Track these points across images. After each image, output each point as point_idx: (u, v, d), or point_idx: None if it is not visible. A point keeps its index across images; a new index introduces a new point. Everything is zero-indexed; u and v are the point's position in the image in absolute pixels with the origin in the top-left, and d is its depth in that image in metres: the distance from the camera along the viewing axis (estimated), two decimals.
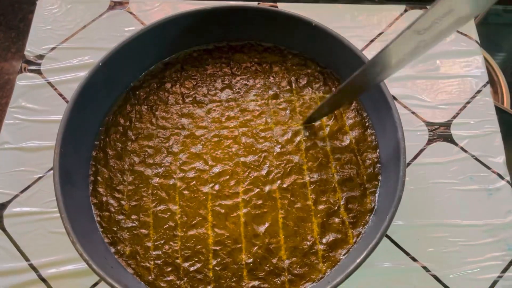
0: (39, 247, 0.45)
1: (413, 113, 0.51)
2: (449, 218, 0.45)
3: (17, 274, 0.43)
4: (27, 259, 0.44)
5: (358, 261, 0.37)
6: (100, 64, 0.46)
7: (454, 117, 0.50)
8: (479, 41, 0.55)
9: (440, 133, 0.49)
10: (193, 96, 0.50)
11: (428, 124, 0.50)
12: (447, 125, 0.50)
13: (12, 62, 0.63)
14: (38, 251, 0.45)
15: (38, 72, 0.54)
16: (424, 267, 0.43)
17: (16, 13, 0.67)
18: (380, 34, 0.56)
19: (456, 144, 0.49)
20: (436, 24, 0.28)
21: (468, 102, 0.51)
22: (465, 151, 0.48)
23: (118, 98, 0.50)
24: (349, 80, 0.38)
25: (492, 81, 0.61)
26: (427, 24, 0.28)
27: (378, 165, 0.45)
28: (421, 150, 0.49)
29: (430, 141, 0.49)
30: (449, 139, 0.49)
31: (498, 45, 0.69)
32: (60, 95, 0.53)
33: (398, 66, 0.34)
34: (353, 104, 0.49)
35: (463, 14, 0.27)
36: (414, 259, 0.44)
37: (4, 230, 0.45)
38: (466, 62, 0.54)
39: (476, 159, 0.48)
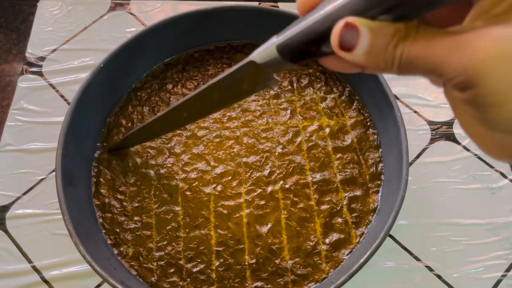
0: (41, 248, 0.45)
1: (415, 112, 0.51)
2: (452, 217, 0.45)
3: (20, 276, 0.43)
4: (29, 261, 0.44)
5: (361, 261, 0.37)
6: (102, 65, 0.46)
7: None
8: None
9: (443, 132, 0.49)
10: None
11: (430, 123, 0.50)
12: (450, 124, 0.50)
13: (13, 64, 0.63)
14: (41, 252, 0.45)
15: (40, 73, 0.54)
16: (428, 267, 0.43)
17: (17, 15, 0.67)
18: None
19: (458, 143, 0.49)
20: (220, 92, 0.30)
21: None
22: (468, 150, 0.48)
23: (119, 99, 0.50)
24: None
25: None
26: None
27: (381, 164, 0.45)
28: (424, 149, 0.49)
29: (432, 140, 0.49)
30: (451, 138, 0.49)
31: None
32: (62, 96, 0.53)
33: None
34: (354, 104, 0.48)
35: (247, 89, 0.29)
36: (417, 259, 0.43)
37: (7, 232, 0.45)
38: None
39: (479, 158, 0.48)
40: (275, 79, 0.27)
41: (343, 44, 0.20)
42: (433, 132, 0.49)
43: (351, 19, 0.20)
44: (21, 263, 0.44)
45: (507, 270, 0.43)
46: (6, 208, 0.46)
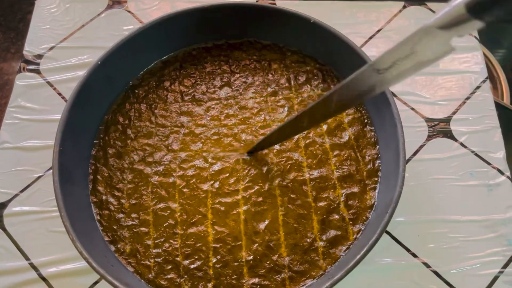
0: (39, 246, 0.45)
1: (413, 109, 0.51)
2: (449, 214, 0.45)
3: (17, 273, 0.43)
4: (27, 258, 0.44)
5: (358, 257, 0.37)
6: (99, 62, 0.46)
7: (454, 113, 0.50)
8: (478, 37, 0.55)
9: (440, 129, 0.49)
10: (192, 94, 0.50)
11: (427, 120, 0.50)
12: (447, 121, 0.50)
13: (12, 63, 0.63)
14: (38, 250, 0.45)
15: (37, 71, 0.54)
16: (425, 263, 0.43)
17: (15, 14, 0.67)
18: (379, 30, 0.56)
19: (456, 140, 0.49)
20: (396, 65, 0.28)
21: (467, 98, 0.51)
22: (465, 146, 0.48)
23: (117, 96, 0.50)
24: (307, 109, 0.36)
25: (491, 77, 0.61)
26: (387, 64, 0.28)
27: (378, 161, 0.45)
28: (421, 146, 0.49)
29: (430, 137, 0.49)
30: (449, 135, 0.49)
31: (497, 41, 0.69)
32: (59, 94, 0.53)
33: (353, 102, 0.34)
34: None
35: (424, 59, 0.27)
36: (414, 255, 0.44)
37: (4, 230, 0.45)
38: (466, 58, 0.53)
39: (476, 154, 0.48)
40: (452, 47, 0.25)
41: None
42: (430, 129, 0.49)
43: None
44: (18, 260, 0.44)
45: (504, 267, 0.43)
46: (3, 205, 0.47)
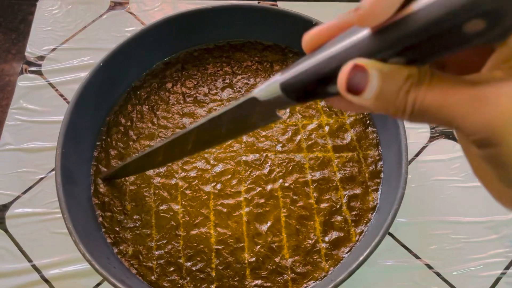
0: (41, 247, 0.45)
1: None
2: (451, 215, 0.45)
3: (19, 275, 0.43)
4: (29, 260, 0.44)
5: (361, 259, 0.37)
6: (101, 64, 0.46)
7: None
8: None
9: (442, 130, 0.49)
10: (194, 95, 0.50)
11: None
12: None
13: (13, 64, 0.63)
14: (41, 252, 0.45)
15: (39, 73, 0.54)
16: (427, 265, 0.43)
17: (16, 15, 0.67)
18: None
19: (457, 141, 0.49)
20: (234, 122, 0.29)
21: None
22: None
23: (119, 98, 0.50)
24: (194, 127, 0.32)
25: None
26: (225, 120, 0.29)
27: (380, 162, 0.45)
28: (423, 148, 0.49)
29: (432, 139, 0.49)
30: (450, 136, 0.49)
31: None
32: (61, 95, 0.53)
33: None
34: None
35: (256, 123, 0.27)
36: (416, 257, 0.44)
37: (6, 231, 0.45)
38: None
39: None
40: (278, 116, 0.26)
41: (351, 87, 0.19)
42: (432, 130, 0.49)
43: (360, 60, 0.18)
44: (20, 262, 0.44)
45: (507, 268, 0.43)
46: (5, 207, 0.47)
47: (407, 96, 0.18)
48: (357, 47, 0.19)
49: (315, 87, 0.21)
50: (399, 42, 0.18)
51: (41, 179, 0.48)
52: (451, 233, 0.44)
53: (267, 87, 0.24)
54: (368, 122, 0.47)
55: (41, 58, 0.55)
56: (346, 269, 0.38)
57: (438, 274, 0.43)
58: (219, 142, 0.32)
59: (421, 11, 0.17)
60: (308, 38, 0.21)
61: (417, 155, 0.48)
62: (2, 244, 0.45)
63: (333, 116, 0.48)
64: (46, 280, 0.43)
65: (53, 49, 0.55)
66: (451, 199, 0.46)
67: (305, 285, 0.41)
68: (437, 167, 0.48)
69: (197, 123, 0.31)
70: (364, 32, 0.19)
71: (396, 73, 0.18)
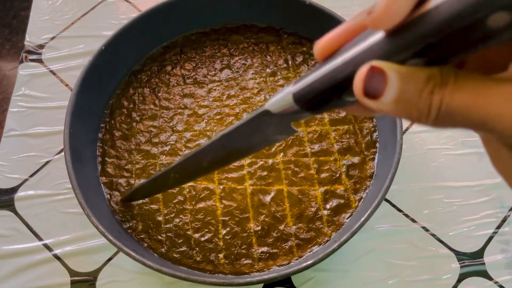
0: (51, 227, 0.46)
1: None
2: (444, 181, 0.48)
3: (31, 254, 0.45)
4: (40, 239, 0.45)
5: (362, 220, 0.39)
6: (103, 47, 0.47)
7: None
8: None
9: None
10: (194, 77, 0.52)
11: None
12: None
13: (7, 58, 0.63)
14: (51, 231, 0.46)
15: (40, 61, 0.55)
16: (424, 227, 0.45)
17: (8, 11, 0.67)
18: None
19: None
20: (249, 138, 0.28)
21: None
22: None
23: (120, 82, 0.51)
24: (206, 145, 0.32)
25: None
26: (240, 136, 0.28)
27: (375, 133, 0.48)
28: None
29: None
30: None
31: None
32: (62, 81, 0.54)
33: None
34: None
35: (271, 138, 0.27)
36: (413, 221, 0.46)
37: (16, 213, 0.47)
38: None
39: None
40: (294, 130, 0.25)
41: (368, 91, 0.17)
42: None
43: (377, 62, 0.17)
44: (32, 242, 0.45)
45: (498, 227, 0.45)
46: (14, 190, 0.48)
47: (432, 98, 0.17)
48: (373, 50, 0.18)
49: (330, 95, 0.20)
50: (417, 42, 0.17)
51: (47, 162, 0.49)
52: (444, 197, 0.47)
53: (279, 99, 0.23)
54: None
55: (41, 46, 0.56)
56: (348, 231, 0.40)
57: (434, 236, 0.45)
58: (235, 159, 0.31)
59: (440, 7, 0.16)
60: (319, 45, 0.20)
61: (409, 126, 0.51)
62: (12, 225, 0.46)
63: None
64: (58, 258, 0.45)
65: (52, 38, 0.56)
66: (443, 166, 0.48)
67: (310, 250, 0.43)
68: (428, 137, 0.50)
69: (209, 141, 0.31)
70: (379, 34, 0.18)
71: (416, 74, 0.17)
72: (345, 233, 0.40)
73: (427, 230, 0.45)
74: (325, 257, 0.38)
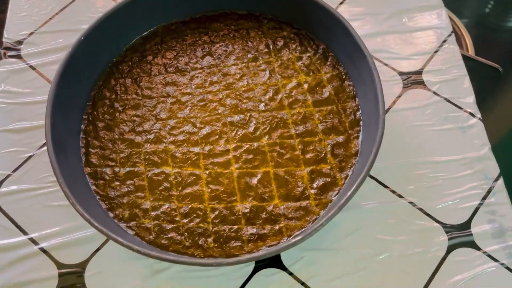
0: (36, 221, 0.45)
1: (386, 65, 0.54)
2: (428, 156, 0.48)
3: (17, 249, 0.44)
4: (25, 233, 0.45)
5: (348, 194, 0.39)
6: (82, 38, 0.47)
7: (425, 65, 0.53)
8: None
9: (413, 80, 0.52)
10: (175, 65, 0.52)
11: (401, 74, 0.53)
12: (419, 73, 0.53)
13: None
14: (36, 225, 0.45)
15: (19, 57, 0.54)
16: (411, 202, 0.46)
17: None
18: None
19: (429, 90, 0.52)
20: None
21: (436, 51, 0.54)
22: (438, 94, 0.51)
23: (101, 73, 0.51)
24: None
25: (456, 35, 0.64)
26: None
27: (358, 112, 0.48)
28: (398, 97, 0.51)
29: (404, 89, 0.52)
30: (422, 84, 0.52)
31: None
32: (42, 76, 0.53)
33: None
34: (329, 60, 0.51)
35: None
36: (400, 196, 0.46)
37: (0, 209, 0.46)
38: (431, 16, 0.57)
39: (448, 101, 0.51)
40: None
41: None
42: (404, 81, 0.52)
43: None
44: (17, 236, 0.44)
45: (483, 198, 0.46)
46: None
47: None
48: None
49: None
50: None
51: (30, 156, 0.49)
52: (429, 172, 0.47)
53: None
54: (344, 77, 0.50)
55: (20, 42, 0.55)
56: (336, 206, 0.40)
57: (422, 210, 0.45)
58: None
59: None
60: None
61: (392, 105, 0.51)
62: None
63: (311, 74, 0.50)
64: (44, 251, 0.44)
65: (31, 33, 0.56)
66: (427, 141, 0.49)
67: (299, 229, 0.43)
68: (411, 114, 0.50)
69: None
70: None
71: None
72: (332, 210, 0.41)
73: (414, 204, 0.46)
74: (313, 232, 0.38)
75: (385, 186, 0.47)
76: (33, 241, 0.44)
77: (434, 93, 0.51)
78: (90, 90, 0.50)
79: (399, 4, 0.58)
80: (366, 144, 0.45)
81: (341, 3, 0.58)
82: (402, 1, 0.58)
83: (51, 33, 0.56)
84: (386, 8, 0.57)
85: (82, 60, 0.47)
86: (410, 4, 0.57)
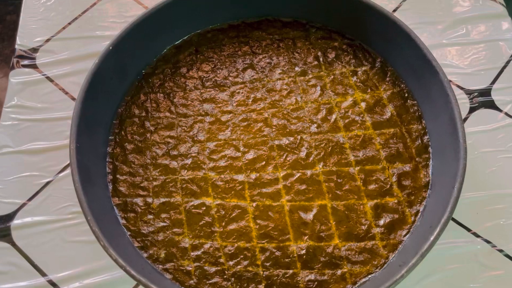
0: (56, 259, 0.39)
1: (450, 81, 0.48)
2: (505, 188, 0.42)
3: None
4: (43, 274, 0.38)
5: (431, 238, 0.33)
6: (110, 48, 0.41)
7: (493, 82, 0.47)
8: (505, 4, 0.52)
9: (482, 100, 0.46)
10: (213, 79, 0.45)
11: (467, 92, 0.47)
12: (487, 91, 0.47)
13: None
14: (56, 264, 0.39)
15: (34, 66, 0.48)
16: (489, 242, 0.40)
17: None
18: None
19: (500, 110, 0.46)
20: None
21: (505, 66, 0.48)
22: (510, 116, 0.45)
23: (130, 87, 0.45)
24: None
25: None
26: None
27: (426, 137, 0.42)
28: (464, 119, 0.45)
29: (472, 109, 0.46)
30: (491, 105, 0.46)
31: None
32: (62, 89, 0.47)
33: None
34: (388, 75, 0.45)
35: None
36: (476, 235, 0.40)
37: (14, 245, 0.40)
38: (495, 26, 0.51)
39: None
40: None
41: None
42: (471, 100, 0.46)
43: None
44: (34, 278, 0.38)
45: None
46: (10, 217, 0.41)
47: None
48: None
49: None
50: None
51: (48, 183, 0.42)
52: (508, 206, 0.41)
53: None
54: (406, 95, 0.44)
55: (35, 50, 0.49)
56: (408, 252, 0.34)
57: (502, 251, 0.39)
58: None
59: None
60: None
61: None
62: (10, 259, 0.39)
63: (368, 91, 0.44)
64: None
65: (47, 40, 0.49)
66: (502, 171, 0.43)
67: (365, 276, 0.36)
68: (481, 139, 0.44)
69: None
70: None
71: None
72: (406, 254, 0.35)
73: (493, 245, 0.40)
74: (392, 285, 0.32)
75: (458, 223, 0.41)
76: (53, 283, 0.38)
77: (506, 114, 0.45)
78: (117, 106, 0.44)
79: (460, 12, 0.52)
80: (439, 175, 0.39)
81: (394, 11, 0.52)
82: (462, 8, 0.52)
83: (70, 40, 0.49)
84: (445, 17, 0.51)
85: (110, 72, 0.41)
86: (471, 12, 0.51)
